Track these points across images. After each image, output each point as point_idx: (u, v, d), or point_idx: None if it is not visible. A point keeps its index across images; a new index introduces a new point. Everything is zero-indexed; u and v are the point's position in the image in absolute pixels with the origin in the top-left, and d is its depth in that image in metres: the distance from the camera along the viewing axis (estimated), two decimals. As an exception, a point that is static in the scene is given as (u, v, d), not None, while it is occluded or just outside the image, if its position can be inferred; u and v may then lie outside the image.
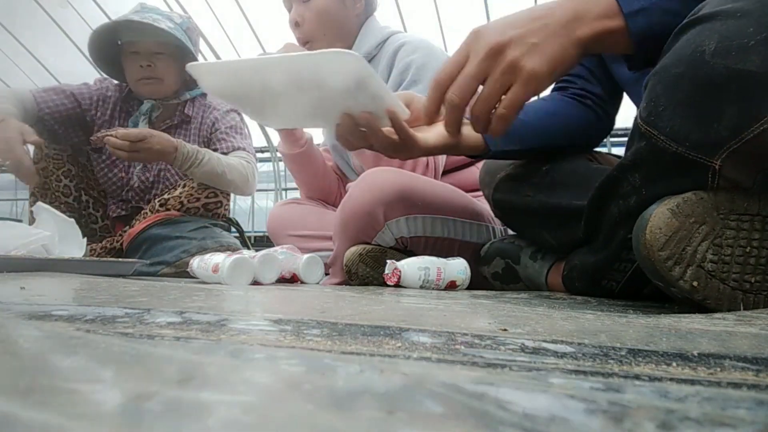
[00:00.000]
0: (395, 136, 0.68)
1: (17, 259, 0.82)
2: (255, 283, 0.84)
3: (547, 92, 0.84)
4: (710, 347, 0.27)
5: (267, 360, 0.22)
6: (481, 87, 0.56)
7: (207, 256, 0.90)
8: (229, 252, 0.88)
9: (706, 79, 0.44)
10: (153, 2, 1.44)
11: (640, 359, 0.24)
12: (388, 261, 0.85)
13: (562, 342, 0.28)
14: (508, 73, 0.54)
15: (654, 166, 0.51)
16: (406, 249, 0.98)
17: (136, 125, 1.38)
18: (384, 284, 0.86)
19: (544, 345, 0.27)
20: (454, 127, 0.60)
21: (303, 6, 1.18)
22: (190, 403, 0.15)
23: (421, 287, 0.83)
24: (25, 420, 0.13)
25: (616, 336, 0.31)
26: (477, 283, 0.93)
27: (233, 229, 1.47)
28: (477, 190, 1.02)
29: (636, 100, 0.80)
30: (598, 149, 0.89)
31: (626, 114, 0.88)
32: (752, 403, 0.17)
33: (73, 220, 1.03)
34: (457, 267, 0.87)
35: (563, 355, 0.25)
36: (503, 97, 0.56)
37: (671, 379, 0.21)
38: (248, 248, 1.41)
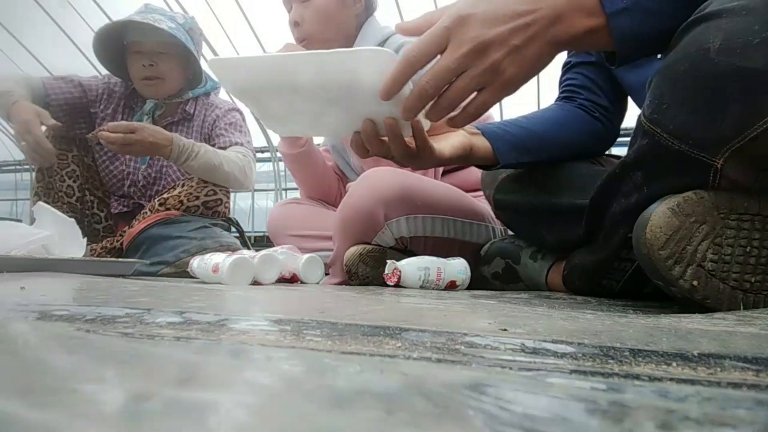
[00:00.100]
0: (413, 145, 0.67)
1: (17, 259, 0.82)
2: (255, 283, 0.84)
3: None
4: (710, 347, 0.27)
5: (267, 360, 0.22)
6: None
7: (207, 256, 0.90)
8: (229, 252, 0.88)
9: (710, 76, 0.44)
10: (156, 3, 1.45)
11: (640, 359, 0.24)
12: (388, 261, 0.85)
13: (562, 342, 0.28)
14: (487, 74, 0.53)
15: (656, 163, 0.51)
16: (406, 249, 0.98)
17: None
18: (384, 284, 0.86)
19: (544, 345, 0.27)
20: (414, 113, 0.58)
21: (302, 6, 1.18)
22: (190, 403, 0.15)
23: (421, 287, 0.83)
24: (25, 420, 0.13)
25: (616, 336, 0.30)
26: (477, 283, 0.93)
27: (233, 229, 1.47)
28: (477, 190, 1.02)
29: (640, 105, 0.80)
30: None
31: (628, 114, 0.88)
32: (752, 403, 0.17)
33: (73, 220, 1.03)
34: (457, 267, 0.87)
35: (563, 355, 0.25)
36: (474, 94, 0.56)
37: (671, 379, 0.21)
38: (248, 248, 1.41)
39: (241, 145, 1.42)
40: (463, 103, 0.57)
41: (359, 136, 0.66)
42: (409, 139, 0.66)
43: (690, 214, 0.47)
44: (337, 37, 1.19)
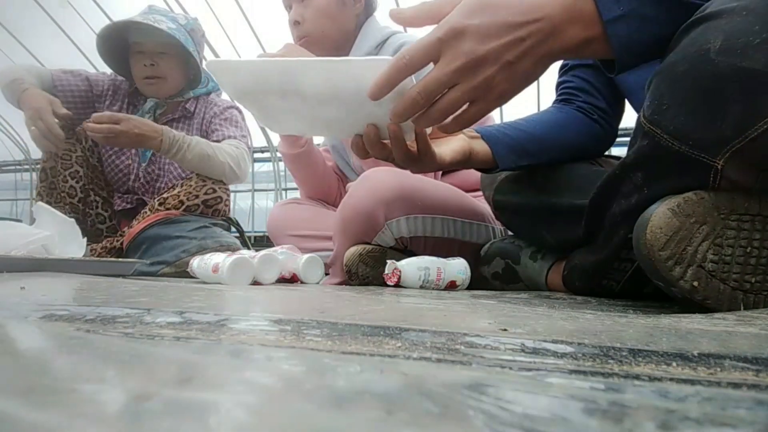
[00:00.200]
0: (414, 149, 0.67)
1: (17, 259, 0.82)
2: (255, 283, 0.84)
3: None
4: (710, 347, 0.27)
5: (267, 360, 0.22)
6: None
7: (207, 256, 0.90)
8: (229, 252, 0.88)
9: (710, 77, 0.44)
10: (159, 4, 1.46)
11: (640, 359, 0.24)
12: (388, 261, 0.85)
13: (562, 342, 0.28)
14: (479, 89, 0.53)
15: (656, 164, 0.51)
16: (406, 249, 0.98)
17: None
18: (384, 284, 0.86)
19: (544, 345, 0.27)
20: (403, 119, 0.57)
21: (302, 5, 1.18)
22: (190, 403, 0.15)
23: (421, 287, 0.83)
24: (25, 420, 0.13)
25: (616, 336, 0.30)
26: (477, 283, 0.93)
27: (233, 229, 1.47)
28: (477, 190, 1.02)
29: (637, 107, 0.81)
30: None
31: (626, 114, 0.88)
32: (752, 403, 0.17)
33: (73, 220, 1.03)
34: (457, 267, 0.87)
35: (563, 355, 0.25)
36: (466, 106, 0.56)
37: (671, 379, 0.21)
38: (248, 248, 1.41)
39: (235, 138, 1.43)
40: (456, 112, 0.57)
41: (360, 138, 0.65)
42: (410, 143, 0.66)
43: (690, 215, 0.47)
44: (337, 36, 1.20)
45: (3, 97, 1.29)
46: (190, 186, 1.32)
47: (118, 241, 1.33)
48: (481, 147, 0.76)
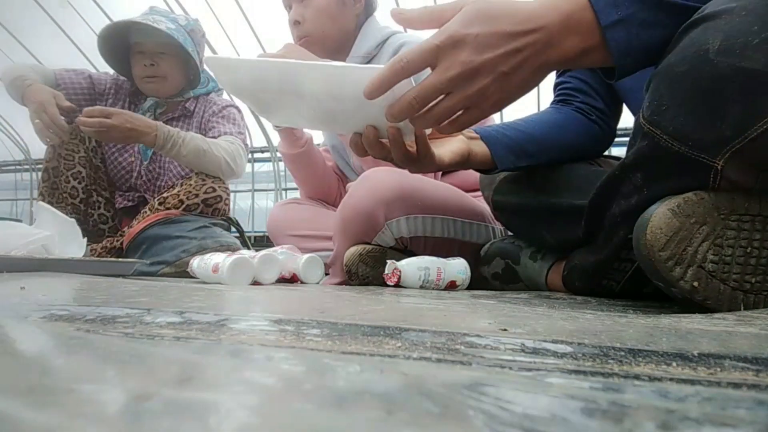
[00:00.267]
0: (413, 149, 0.67)
1: (17, 259, 0.82)
2: (255, 283, 0.84)
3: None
4: (710, 347, 0.27)
5: (267, 360, 0.22)
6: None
7: (207, 256, 0.90)
8: (229, 252, 0.88)
9: (709, 77, 0.44)
10: (159, 4, 1.47)
11: (640, 359, 0.24)
12: (388, 261, 0.85)
13: (562, 342, 0.28)
14: (474, 98, 0.53)
15: (656, 165, 0.51)
16: (406, 249, 0.98)
17: None
18: (384, 284, 0.86)
19: (544, 345, 0.27)
20: (399, 120, 0.58)
21: (302, 5, 1.18)
22: (190, 403, 0.15)
23: (421, 287, 0.83)
24: (25, 420, 0.13)
25: (616, 336, 0.30)
26: (477, 283, 0.93)
27: (233, 229, 1.47)
28: (477, 190, 1.02)
29: (634, 109, 0.81)
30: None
31: (625, 113, 0.88)
32: (752, 403, 0.17)
33: (73, 220, 1.03)
34: (457, 267, 0.87)
35: (563, 355, 0.25)
36: (460, 113, 0.56)
37: (671, 379, 0.21)
38: (248, 248, 1.41)
39: (232, 134, 1.44)
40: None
41: (359, 137, 0.66)
42: (409, 144, 0.67)
43: (690, 215, 0.47)
44: (337, 36, 1.20)
45: (3, 97, 1.30)
46: (190, 185, 1.32)
47: (118, 241, 1.33)
48: (480, 148, 0.76)
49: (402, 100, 0.55)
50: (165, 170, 1.46)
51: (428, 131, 0.66)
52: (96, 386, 0.17)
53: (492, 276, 0.92)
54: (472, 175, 1.14)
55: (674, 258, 0.47)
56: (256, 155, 4.05)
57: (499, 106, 0.56)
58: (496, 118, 1.35)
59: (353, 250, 0.94)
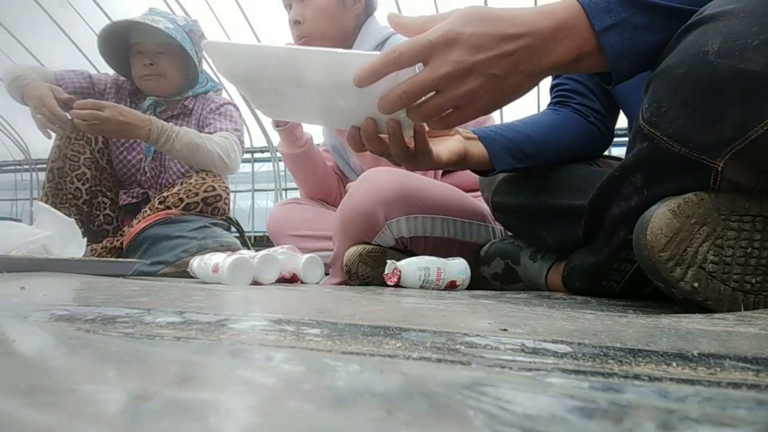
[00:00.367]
0: (411, 145, 0.67)
1: (17, 259, 0.82)
2: (255, 283, 0.84)
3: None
4: (710, 347, 0.27)
5: (267, 360, 0.22)
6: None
7: (207, 256, 0.90)
8: (229, 252, 0.88)
9: (709, 79, 0.44)
10: (159, 3, 1.49)
11: (640, 359, 0.24)
12: (388, 261, 0.85)
13: (562, 342, 0.28)
14: (464, 98, 0.53)
15: (656, 167, 0.51)
16: (406, 249, 0.98)
17: None
18: (384, 284, 0.86)
19: (544, 345, 0.27)
20: (389, 112, 0.58)
21: (302, 5, 1.18)
22: (190, 403, 0.15)
23: (421, 287, 0.83)
24: (25, 420, 0.13)
25: (616, 336, 0.30)
26: (477, 283, 0.93)
27: (233, 229, 1.47)
28: (477, 190, 1.02)
29: (627, 110, 0.81)
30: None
31: (623, 113, 0.88)
32: (752, 403, 0.17)
33: (73, 220, 1.03)
34: (457, 267, 0.87)
35: (563, 355, 0.25)
36: (449, 111, 0.56)
37: (671, 379, 0.21)
38: (248, 248, 1.41)
39: (227, 130, 1.45)
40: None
41: (357, 131, 0.65)
42: (408, 140, 0.66)
43: (690, 216, 0.47)
44: (337, 36, 1.20)
45: (3, 97, 1.30)
46: (190, 183, 1.33)
47: (118, 240, 1.33)
48: (478, 149, 0.76)
49: (392, 92, 0.55)
50: (166, 167, 1.47)
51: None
52: (96, 386, 0.17)
53: (492, 276, 0.92)
54: (472, 176, 1.14)
55: (674, 259, 0.47)
56: (256, 155, 4.04)
57: (489, 109, 0.56)
58: (496, 119, 1.35)
59: (353, 250, 0.94)
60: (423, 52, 0.52)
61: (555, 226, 0.77)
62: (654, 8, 0.50)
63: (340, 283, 1.02)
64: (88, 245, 1.19)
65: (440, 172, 1.15)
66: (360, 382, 0.19)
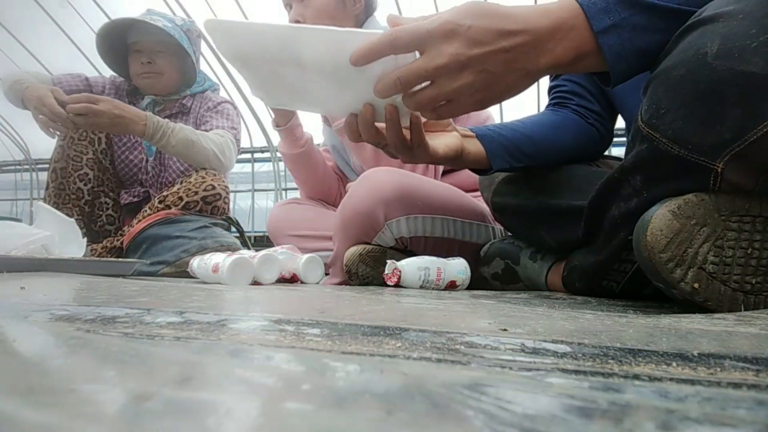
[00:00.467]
0: (408, 138, 0.67)
1: (17, 259, 0.82)
2: (255, 283, 0.84)
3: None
4: (710, 347, 0.27)
5: (267, 360, 0.22)
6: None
7: (207, 256, 0.90)
8: (229, 252, 0.88)
9: (708, 81, 0.44)
10: (159, 2, 1.51)
11: (640, 359, 0.24)
12: (388, 261, 0.85)
13: (562, 342, 0.28)
14: (458, 92, 0.53)
15: (655, 168, 0.51)
16: (406, 249, 0.98)
17: None
18: (384, 284, 0.86)
19: (544, 345, 0.27)
20: (383, 96, 0.57)
21: (302, 6, 1.18)
22: (190, 403, 0.15)
23: (421, 287, 0.83)
24: (25, 420, 0.13)
25: (616, 336, 0.30)
26: (477, 283, 0.93)
27: (233, 229, 1.47)
28: (477, 190, 1.02)
29: (625, 112, 0.81)
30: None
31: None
32: (752, 403, 0.17)
33: (73, 220, 1.03)
34: (457, 267, 0.87)
35: (563, 355, 0.25)
36: (442, 103, 0.56)
37: (671, 379, 0.21)
38: (248, 248, 1.41)
39: (223, 128, 1.46)
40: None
41: (355, 118, 0.65)
42: (404, 132, 0.66)
43: (691, 217, 0.47)
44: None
45: (3, 97, 1.30)
46: (189, 183, 1.33)
47: (118, 240, 1.33)
48: (475, 147, 0.75)
49: (388, 76, 0.55)
50: (166, 166, 1.47)
51: (423, 120, 0.65)
52: (96, 386, 0.17)
53: (492, 276, 0.92)
54: (472, 175, 1.14)
55: (675, 259, 0.47)
56: (256, 155, 4.04)
57: (482, 105, 0.56)
58: (496, 119, 1.35)
59: (353, 250, 0.94)
60: (419, 40, 0.52)
61: (555, 227, 0.77)
62: (653, 9, 0.50)
63: (340, 283, 1.02)
64: (88, 245, 1.19)
65: (440, 172, 1.15)
66: (360, 382, 0.19)
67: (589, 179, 0.72)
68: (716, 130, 0.45)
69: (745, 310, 0.47)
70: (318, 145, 1.36)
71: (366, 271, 0.93)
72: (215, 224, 1.34)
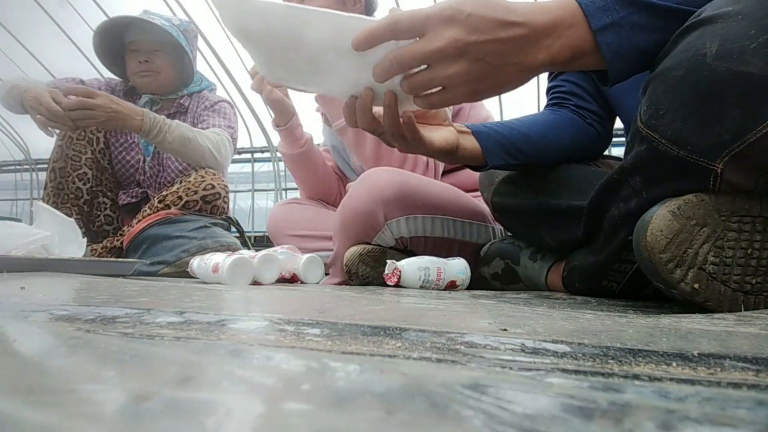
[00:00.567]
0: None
1: (17, 259, 0.82)
2: (255, 283, 0.84)
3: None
4: (710, 347, 0.27)
5: (267, 360, 0.22)
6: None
7: (207, 256, 0.90)
8: (229, 252, 0.88)
9: (707, 82, 0.44)
10: (158, 3, 1.51)
11: (640, 359, 0.24)
12: (388, 261, 0.85)
13: (562, 342, 0.28)
14: (453, 79, 0.53)
15: (655, 169, 0.51)
16: (406, 249, 0.98)
17: None
18: (384, 284, 0.86)
19: (544, 345, 0.27)
20: (381, 80, 0.58)
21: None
22: (190, 403, 0.15)
23: (421, 287, 0.83)
24: (25, 420, 0.13)
25: (616, 336, 0.30)
26: (477, 283, 0.93)
27: (233, 229, 1.47)
28: (477, 190, 1.02)
29: (622, 112, 0.81)
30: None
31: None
32: (752, 403, 0.17)
33: (73, 220, 1.03)
34: (457, 267, 0.87)
35: (563, 355, 0.25)
36: (436, 90, 0.56)
37: (671, 379, 0.21)
38: (248, 248, 1.41)
39: (220, 127, 1.46)
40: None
41: (354, 101, 0.65)
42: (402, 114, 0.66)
43: (691, 217, 0.47)
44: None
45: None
46: (189, 182, 1.33)
47: (118, 240, 1.33)
48: (470, 143, 0.75)
49: (384, 59, 0.55)
50: (165, 166, 1.47)
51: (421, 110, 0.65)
52: (96, 386, 0.17)
53: (492, 276, 0.92)
54: (472, 175, 1.14)
55: (675, 260, 0.47)
56: (256, 155, 4.04)
57: (476, 96, 0.56)
58: (496, 118, 1.35)
59: (353, 250, 0.94)
60: (419, 24, 0.52)
61: (555, 227, 0.77)
62: (651, 8, 0.50)
63: (340, 283, 1.02)
64: (88, 245, 1.19)
65: (440, 172, 1.15)
66: (360, 382, 0.19)
67: (589, 179, 0.72)
68: (716, 130, 0.45)
69: (745, 310, 0.47)
70: (318, 145, 1.36)
71: (366, 271, 0.93)
72: (215, 224, 1.34)
